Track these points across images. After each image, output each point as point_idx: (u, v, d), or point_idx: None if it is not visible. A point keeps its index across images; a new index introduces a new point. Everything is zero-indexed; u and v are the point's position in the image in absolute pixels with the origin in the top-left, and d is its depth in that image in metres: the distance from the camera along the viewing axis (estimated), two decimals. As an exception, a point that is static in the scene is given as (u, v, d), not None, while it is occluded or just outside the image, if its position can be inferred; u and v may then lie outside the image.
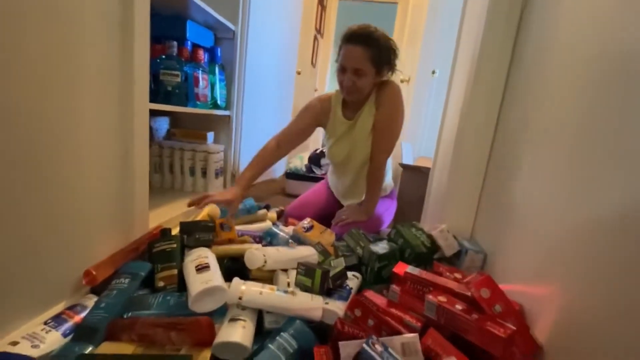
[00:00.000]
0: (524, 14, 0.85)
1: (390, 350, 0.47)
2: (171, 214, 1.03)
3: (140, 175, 0.81)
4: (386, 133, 1.14)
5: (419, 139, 1.94)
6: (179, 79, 1.01)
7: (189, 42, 1.09)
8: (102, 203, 0.72)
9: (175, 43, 1.02)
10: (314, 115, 1.20)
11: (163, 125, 1.31)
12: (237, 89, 1.32)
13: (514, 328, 0.52)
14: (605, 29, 0.55)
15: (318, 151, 2.06)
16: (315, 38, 3.02)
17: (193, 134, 1.29)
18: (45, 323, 0.60)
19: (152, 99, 0.84)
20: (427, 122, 1.85)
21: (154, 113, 0.86)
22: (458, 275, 0.72)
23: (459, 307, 0.58)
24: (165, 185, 1.31)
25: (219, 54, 1.21)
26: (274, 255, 0.78)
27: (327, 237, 1.00)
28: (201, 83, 1.09)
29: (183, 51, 1.05)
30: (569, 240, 0.54)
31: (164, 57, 1.01)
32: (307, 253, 0.85)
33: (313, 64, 3.07)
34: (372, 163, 1.16)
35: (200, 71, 1.08)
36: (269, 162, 1.15)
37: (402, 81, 2.22)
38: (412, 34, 2.25)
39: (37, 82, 0.54)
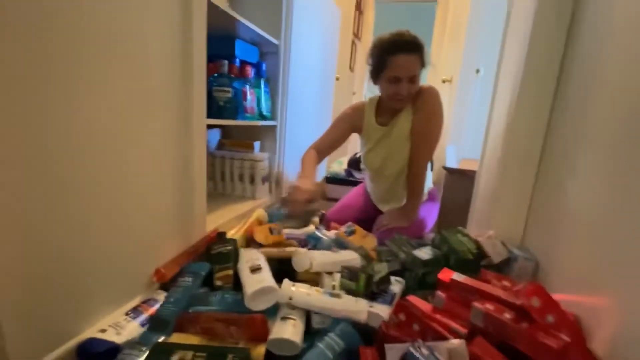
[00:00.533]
0: (576, 10, 0.80)
1: (436, 354, 0.48)
2: (225, 218, 1.12)
3: (199, 184, 0.90)
4: (425, 138, 1.14)
5: (463, 141, 1.88)
6: (229, 95, 1.10)
7: (238, 60, 1.18)
8: (167, 210, 0.82)
9: (225, 62, 1.11)
10: (348, 124, 1.23)
11: (215, 136, 1.43)
12: (281, 100, 1.39)
13: (568, 340, 0.51)
14: None
15: (357, 155, 2.08)
16: (353, 42, 3.04)
17: (241, 144, 1.39)
18: (126, 314, 0.69)
19: (207, 114, 0.92)
20: (472, 123, 1.78)
21: (207, 127, 0.95)
22: (507, 284, 0.70)
23: (507, 315, 0.58)
24: (217, 191, 1.41)
25: (264, 68, 1.29)
26: (320, 258, 0.83)
27: (369, 241, 1.02)
28: (249, 97, 1.17)
29: (232, 68, 1.14)
30: (628, 247, 0.51)
31: (216, 75, 1.10)
32: (350, 257, 0.88)
33: (351, 69, 3.10)
34: (412, 169, 1.16)
35: (248, 86, 1.16)
36: (315, 165, 1.22)
37: (444, 81, 2.16)
38: (454, 32, 2.18)
39: (119, 107, 0.64)
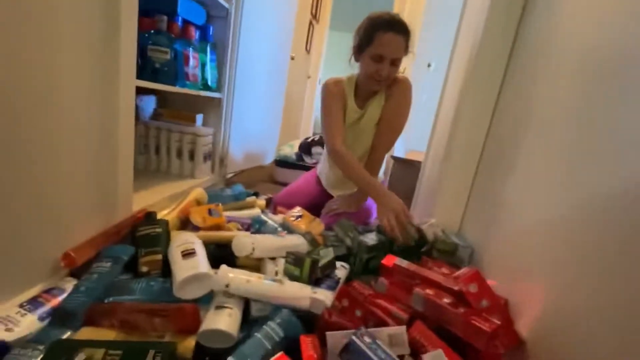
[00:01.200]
0: (525, 8, 0.84)
1: (378, 342, 0.47)
2: (157, 197, 1.00)
3: (125, 156, 0.77)
4: (392, 127, 1.14)
5: (411, 133, 1.94)
6: (168, 56, 0.96)
7: (180, 18, 1.04)
8: (83, 183, 0.69)
9: (165, 17, 0.96)
10: (341, 105, 1.15)
11: (149, 104, 1.26)
12: (228, 70, 1.27)
13: (499, 323, 0.53)
14: (602, 23, 0.55)
15: (309, 139, 2.03)
16: (311, 23, 2.95)
17: (181, 115, 1.25)
18: (21, 306, 0.57)
19: (139, 76, 0.79)
20: (421, 116, 1.84)
21: (140, 91, 0.81)
22: (445, 270, 0.72)
23: (446, 300, 0.59)
24: (150, 167, 1.26)
25: (210, 33, 1.16)
26: (263, 243, 0.77)
27: (316, 226, 0.99)
28: (192, 62, 1.05)
29: (173, 27, 1.00)
30: (555, 237, 0.55)
31: (152, 31, 0.96)
32: (296, 242, 0.84)
33: (307, 50, 3.01)
34: (373, 154, 1.16)
35: (191, 49, 1.04)
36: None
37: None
38: (409, 24, 2.21)
39: (11, 53, 0.50)
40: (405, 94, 1.11)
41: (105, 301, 0.60)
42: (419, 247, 0.86)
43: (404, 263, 0.71)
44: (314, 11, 2.97)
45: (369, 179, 1.01)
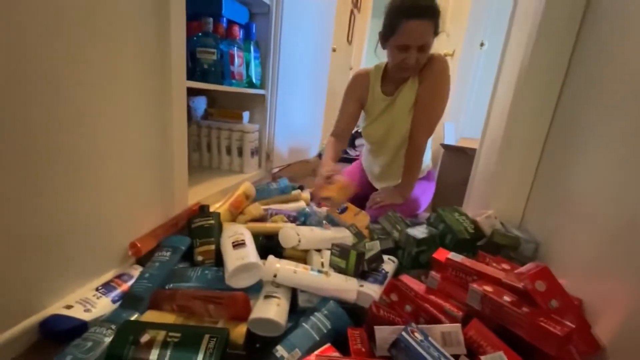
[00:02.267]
0: None
1: (430, 339, 0.44)
2: (209, 191, 1.06)
3: (179, 153, 0.82)
4: (428, 109, 1.06)
5: (463, 118, 1.81)
6: (215, 57, 1.00)
7: (225, 19, 1.07)
8: (145, 180, 0.75)
9: (211, 20, 1.00)
10: (357, 96, 1.15)
11: (201, 104, 1.34)
12: (271, 67, 1.30)
13: (573, 326, 0.47)
14: None
15: (353, 132, 2.00)
16: (352, 13, 2.88)
17: (229, 114, 1.30)
18: (97, 289, 0.64)
19: (189, 78, 0.84)
20: (473, 100, 1.71)
21: (191, 92, 0.86)
22: (506, 266, 0.66)
23: (507, 298, 0.54)
24: (203, 163, 1.34)
25: (253, 31, 1.19)
26: (308, 234, 0.77)
27: (362, 219, 0.97)
28: (237, 61, 1.08)
29: (218, 28, 1.04)
30: (635, 230, 0.46)
31: (200, 34, 1.01)
32: (341, 235, 0.83)
33: (349, 41, 2.95)
34: (411, 142, 1.10)
35: (235, 48, 1.07)
36: (338, 154, 1.17)
37: (445, 55, 2.06)
38: (459, 2, 2.05)
39: (86, 70, 0.56)
40: (441, 73, 1.02)
41: (166, 287, 0.65)
42: (474, 241, 0.80)
43: (458, 257, 0.66)
44: (355, 0, 2.90)
45: (326, 154, 1.11)
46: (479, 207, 0.96)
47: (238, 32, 1.10)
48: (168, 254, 0.72)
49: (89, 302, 0.61)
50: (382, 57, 1.10)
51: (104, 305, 0.62)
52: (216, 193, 1.07)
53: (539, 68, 0.81)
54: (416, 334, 0.44)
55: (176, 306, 0.61)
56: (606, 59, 0.64)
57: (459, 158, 1.36)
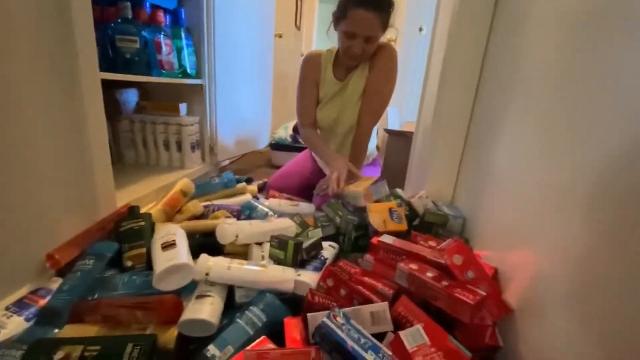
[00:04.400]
0: None
1: (352, 322, 0.46)
2: (145, 191, 1.00)
3: (99, 152, 0.76)
4: (377, 97, 1.08)
5: (406, 103, 1.87)
6: (137, 45, 0.93)
7: (147, 3, 0.99)
8: (59, 183, 0.68)
9: (129, 4, 0.92)
10: (313, 78, 1.13)
11: (132, 98, 1.24)
12: (207, 54, 1.23)
13: (484, 294, 0.51)
14: None
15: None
16: (298, -3, 2.82)
17: (164, 106, 1.22)
18: (7, 308, 0.58)
19: (111, 68, 0.77)
20: (415, 85, 1.76)
21: (120, 85, 0.79)
22: (432, 243, 0.70)
23: (429, 274, 0.57)
24: (140, 161, 1.26)
25: (183, 16, 1.11)
26: (247, 229, 0.76)
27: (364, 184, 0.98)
28: (164, 49, 1.01)
29: (140, 13, 0.96)
30: (546, 206, 0.51)
31: (119, 21, 0.92)
32: (284, 225, 0.83)
33: (297, 26, 2.89)
34: (359, 128, 1.11)
35: (162, 35, 0.99)
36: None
37: (389, 40, 2.09)
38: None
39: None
40: (389, 61, 1.05)
41: (90, 298, 0.61)
42: (409, 222, 0.84)
43: (388, 239, 0.68)
44: (300, -16, 2.83)
45: (324, 149, 1.10)
46: (417, 189, 1.01)
47: (163, 18, 1.02)
48: (91, 262, 0.66)
49: (-4, 323, 0.55)
50: (333, 39, 1.08)
51: (16, 325, 0.56)
52: (153, 192, 1.01)
53: (460, 54, 0.84)
54: (338, 319, 0.45)
55: (100, 317, 0.57)
56: (517, 45, 0.69)
57: (401, 142, 1.41)
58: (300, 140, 1.98)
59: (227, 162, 1.72)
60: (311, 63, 1.12)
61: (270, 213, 0.96)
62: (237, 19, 1.39)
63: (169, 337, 0.54)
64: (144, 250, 0.71)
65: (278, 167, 1.95)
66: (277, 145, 1.96)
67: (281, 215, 0.94)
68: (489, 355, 0.55)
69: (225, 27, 1.27)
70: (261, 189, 1.32)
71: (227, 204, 1.01)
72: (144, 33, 0.94)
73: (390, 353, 0.42)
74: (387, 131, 1.49)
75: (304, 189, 1.25)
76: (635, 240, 0.33)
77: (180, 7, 1.12)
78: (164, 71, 1.03)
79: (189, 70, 1.17)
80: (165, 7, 1.06)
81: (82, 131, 0.71)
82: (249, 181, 1.28)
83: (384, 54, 1.04)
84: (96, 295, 0.62)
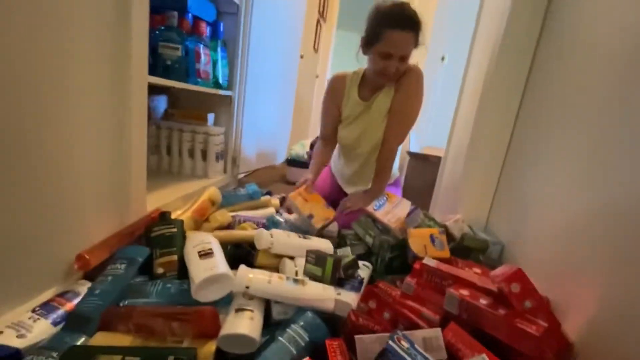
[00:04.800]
0: (550, 4, 0.79)
1: (416, 346, 0.43)
2: (170, 198, 0.98)
3: (138, 155, 0.75)
4: (402, 118, 1.09)
5: (424, 128, 1.89)
6: (179, 53, 0.94)
7: (190, 15, 1.02)
8: (95, 184, 0.66)
9: (176, 13, 0.94)
10: (335, 102, 1.16)
11: (161, 104, 1.24)
12: (239, 68, 1.25)
13: (546, 325, 0.48)
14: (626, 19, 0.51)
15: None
16: (318, 22, 2.92)
17: (192, 115, 1.23)
18: (33, 311, 0.55)
19: (150, 73, 0.77)
20: (435, 111, 1.79)
21: (151, 91, 0.79)
22: (477, 270, 0.68)
23: (483, 301, 0.54)
24: (162, 167, 1.24)
25: (221, 29, 1.14)
26: (283, 238, 0.74)
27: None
28: (203, 59, 1.02)
29: (184, 23, 0.98)
30: (592, 230, 0.50)
31: (163, 28, 0.94)
32: (323, 245, 0.80)
33: (315, 49, 2.98)
34: (384, 148, 1.11)
35: (202, 46, 1.01)
36: (327, 158, 1.24)
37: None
38: (421, 16, 2.16)
39: (24, 54, 0.48)
40: (417, 83, 1.06)
41: (121, 305, 0.58)
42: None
43: (432, 262, 0.66)
44: (321, 10, 2.94)
45: (313, 159, 1.18)
46: (446, 212, 1.00)
47: (205, 30, 1.04)
48: (123, 266, 0.64)
49: (23, 326, 0.51)
50: (363, 62, 1.11)
51: (43, 329, 0.52)
52: (177, 199, 0.99)
53: (500, 83, 0.86)
54: (402, 342, 0.42)
55: (133, 326, 0.53)
56: (561, 75, 0.70)
57: (423, 165, 1.41)
58: (316, 158, 1.99)
59: (242, 175, 1.71)
60: (336, 84, 1.14)
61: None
62: (270, 36, 1.42)
63: (206, 352, 0.51)
64: (175, 257, 0.68)
65: (292, 183, 1.95)
66: (293, 162, 1.96)
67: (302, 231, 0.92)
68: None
69: (258, 43, 1.30)
70: (280, 203, 1.30)
71: (252, 215, 0.99)
72: (187, 42, 0.96)
73: (459, 383, 0.39)
74: (410, 154, 1.49)
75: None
76: None
77: (219, 21, 1.15)
78: (200, 80, 1.04)
79: (221, 81, 1.18)
80: (206, 19, 1.08)
81: (125, 133, 0.70)
82: (269, 195, 1.26)
83: (411, 76, 1.06)
84: (127, 302, 0.59)
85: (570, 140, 0.62)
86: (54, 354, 0.47)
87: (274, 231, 0.74)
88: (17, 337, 0.49)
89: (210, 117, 1.24)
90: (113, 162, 0.69)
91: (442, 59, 1.80)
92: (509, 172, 0.85)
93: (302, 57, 2.13)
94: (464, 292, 0.57)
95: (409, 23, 0.95)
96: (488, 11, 1.03)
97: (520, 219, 0.76)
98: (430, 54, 1.86)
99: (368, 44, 1.03)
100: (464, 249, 0.78)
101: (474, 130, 0.91)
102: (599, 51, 0.59)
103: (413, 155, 1.48)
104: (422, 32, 0.99)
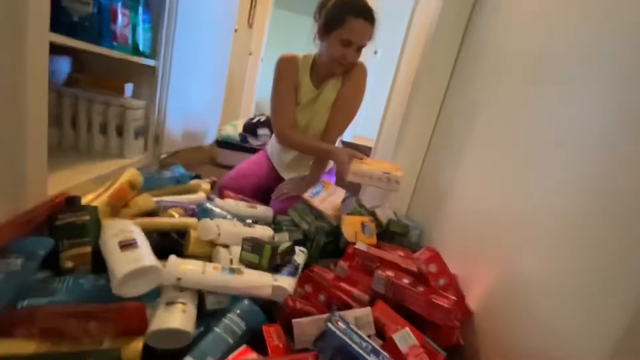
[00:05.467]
0: (475, 6, 0.89)
1: (351, 326, 0.47)
2: (78, 179, 0.84)
3: (36, 127, 0.62)
4: (345, 111, 1.13)
5: (357, 118, 1.98)
6: (90, 9, 0.79)
7: (105, -35, 0.86)
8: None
9: (86, -40, 0.79)
10: (292, 81, 1.12)
11: (63, 67, 1.04)
12: (165, 34, 1.11)
13: (455, 299, 0.57)
14: (524, 32, 0.62)
15: (255, 120, 1.93)
16: (253, -4, 2.75)
17: (106, 84, 1.06)
18: None
19: (52, 30, 0.64)
20: (366, 103, 1.88)
21: (50, 51, 0.64)
22: (401, 253, 0.75)
23: (406, 281, 0.61)
24: (65, 143, 1.06)
25: (143, -12, 0.99)
26: (229, 228, 0.71)
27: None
28: (120, 19, 0.88)
29: (97, -26, 0.83)
30: (491, 218, 0.61)
31: (69, -24, 0.78)
32: (266, 233, 0.79)
33: (250, 25, 2.82)
34: (325, 137, 1.14)
35: (119, 4, 0.87)
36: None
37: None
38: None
39: None
40: (362, 79, 1.12)
41: (19, 306, 0.49)
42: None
43: (363, 247, 0.71)
44: (256, -17, 2.77)
45: (321, 145, 1.08)
46: (375, 201, 1.08)
47: (123, -15, 0.90)
48: (19, 261, 0.53)
49: None
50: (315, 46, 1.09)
51: None
52: (88, 181, 0.87)
53: (427, 80, 0.95)
54: (340, 324, 0.46)
55: (37, 330, 0.46)
56: (476, 77, 0.81)
57: (355, 154, 1.48)
58: (250, 140, 1.92)
59: (165, 155, 1.57)
60: (289, 65, 1.11)
61: (229, 217, 0.91)
62: (202, 2, 1.29)
63: (133, 350, 0.47)
64: (88, 249, 0.60)
65: (222, 166, 1.85)
66: (224, 143, 1.86)
67: (237, 217, 0.90)
68: (452, 353, 0.61)
69: (187, 9, 1.17)
70: (211, 187, 1.23)
71: (179, 201, 0.92)
72: (100, -3, 0.81)
73: (388, 356, 0.44)
74: (343, 143, 1.55)
75: (259, 192, 1.22)
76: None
77: (140, -22, 1.00)
78: (116, 44, 0.90)
79: (141, 48, 1.04)
80: (124, -27, 0.93)
81: (18, 100, 0.57)
82: (197, 178, 1.18)
83: (357, 71, 1.10)
84: (25, 303, 0.50)
85: (480, 136, 0.73)
86: None
87: (219, 221, 0.71)
88: None
89: (129, 87, 1.09)
90: (4, 138, 0.57)
91: (375, 52, 1.88)
92: (428, 167, 0.96)
93: (236, 30, 2.00)
94: (390, 273, 0.63)
95: (371, 15, 1.00)
96: (420, 13, 1.11)
97: (436, 208, 0.86)
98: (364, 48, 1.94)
99: (328, 29, 1.02)
100: (390, 233, 0.86)
101: (402, 124, 0.99)
102: (507, 58, 0.69)
103: (345, 145, 1.55)
104: (376, 28, 1.03)
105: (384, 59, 1.83)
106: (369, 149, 1.33)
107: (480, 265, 0.64)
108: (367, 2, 1.02)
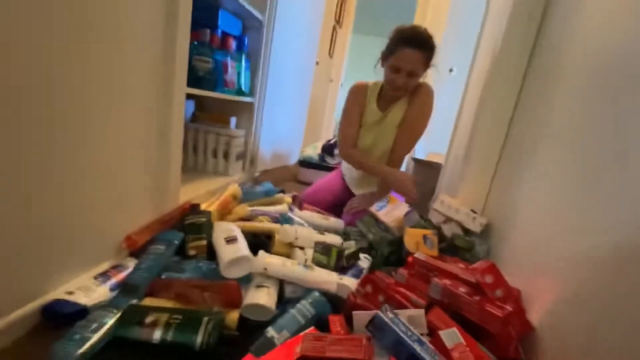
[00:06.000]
0: (545, 16, 0.89)
1: (400, 317, 0.54)
2: (197, 192, 1.11)
3: (175, 153, 0.88)
4: (411, 130, 1.21)
5: (432, 135, 1.98)
6: (210, 66, 1.07)
7: (220, 30, 1.14)
8: (142, 177, 0.80)
9: (208, 31, 1.07)
10: (359, 109, 1.26)
11: (189, 108, 1.38)
12: (260, 77, 1.37)
13: (511, 309, 0.59)
14: (611, 36, 0.60)
15: (332, 141, 2.11)
16: (334, 28, 3.03)
17: (217, 118, 1.36)
18: (95, 278, 0.68)
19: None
20: (442, 119, 1.88)
21: None
22: (461, 265, 0.78)
23: (462, 289, 0.65)
24: (188, 165, 1.38)
25: (246, 43, 1.27)
26: (306, 234, 0.86)
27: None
28: (230, 70, 1.15)
29: (214, 39, 1.11)
30: (568, 238, 0.60)
31: (196, 43, 1.07)
32: (335, 241, 0.92)
33: (330, 55, 3.09)
34: (392, 155, 1.23)
35: (229, 59, 1.14)
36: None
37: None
38: (432, 29, 2.26)
39: (98, 71, 0.61)
40: (427, 100, 1.18)
41: (162, 277, 0.71)
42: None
43: (422, 256, 0.77)
44: (337, 16, 3.05)
45: (381, 167, 1.20)
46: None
47: (232, 44, 1.17)
48: (162, 247, 0.77)
49: (88, 289, 0.65)
50: (380, 74, 1.22)
51: (102, 293, 0.66)
52: (203, 193, 1.12)
53: (495, 94, 0.96)
54: (389, 313, 0.53)
55: (173, 294, 0.66)
56: (550, 91, 0.79)
57: (427, 171, 1.50)
58: (327, 160, 2.10)
59: (258, 173, 1.84)
60: (360, 92, 1.25)
61: (305, 224, 1.06)
62: (289, 47, 1.55)
63: (232, 317, 0.63)
64: (204, 242, 0.81)
65: (303, 183, 2.07)
66: (305, 163, 2.08)
67: (312, 226, 1.03)
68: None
69: (278, 54, 1.42)
70: (292, 200, 1.42)
71: (268, 210, 1.11)
72: (216, 56, 1.08)
73: (432, 347, 0.50)
74: (415, 160, 1.59)
75: (333, 206, 1.35)
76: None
77: (244, 35, 1.28)
78: (227, 89, 1.17)
79: (244, 89, 1.31)
80: (233, 34, 1.21)
81: (167, 133, 0.83)
82: (282, 193, 1.38)
83: (422, 92, 1.17)
84: (163, 276, 0.72)
85: (554, 159, 0.71)
86: (114, 310, 0.60)
87: (298, 227, 0.86)
88: (84, 297, 0.63)
89: (233, 120, 1.37)
90: (156, 158, 0.83)
91: (450, 70, 1.88)
92: (498, 183, 0.95)
93: (317, 63, 2.25)
94: (447, 281, 0.68)
95: (421, 43, 1.08)
96: (488, 28, 1.13)
97: (505, 223, 0.85)
98: (440, 66, 1.96)
99: (384, 58, 1.15)
100: (454, 247, 0.89)
101: (470, 138, 1.01)
102: (584, 68, 0.67)
103: (417, 161, 1.58)
104: (435, 55, 1.10)
105: (459, 76, 1.81)
106: (441, 165, 1.34)
107: (547, 284, 0.63)
108: (422, 31, 1.09)
